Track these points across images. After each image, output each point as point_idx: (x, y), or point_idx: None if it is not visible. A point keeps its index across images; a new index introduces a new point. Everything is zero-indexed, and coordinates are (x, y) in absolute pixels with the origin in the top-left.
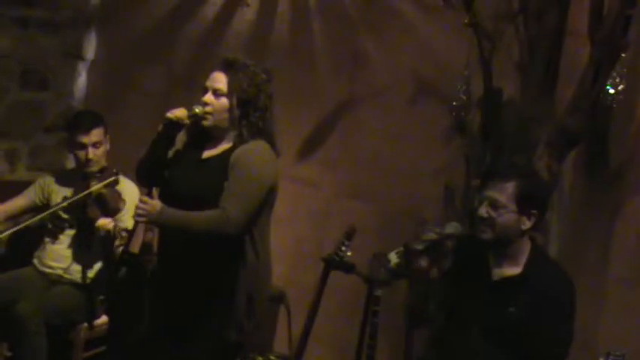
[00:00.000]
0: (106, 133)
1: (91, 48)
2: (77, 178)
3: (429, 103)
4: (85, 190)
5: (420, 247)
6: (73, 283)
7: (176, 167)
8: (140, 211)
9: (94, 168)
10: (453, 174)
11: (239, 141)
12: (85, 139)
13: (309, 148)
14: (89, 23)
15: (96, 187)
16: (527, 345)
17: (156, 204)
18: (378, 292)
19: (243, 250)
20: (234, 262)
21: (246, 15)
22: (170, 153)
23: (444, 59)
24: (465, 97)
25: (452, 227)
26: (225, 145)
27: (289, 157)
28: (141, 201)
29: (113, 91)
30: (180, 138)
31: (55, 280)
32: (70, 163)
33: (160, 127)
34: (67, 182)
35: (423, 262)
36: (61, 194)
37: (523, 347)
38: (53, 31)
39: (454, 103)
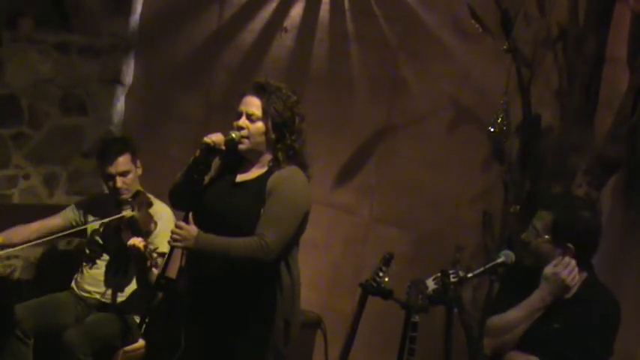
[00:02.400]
0: (134, 158)
1: (129, 73)
2: (111, 204)
3: (468, 130)
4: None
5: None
6: (109, 308)
7: (210, 191)
8: (176, 237)
9: (126, 195)
10: (491, 201)
11: (274, 165)
12: (111, 170)
13: (346, 174)
14: (128, 49)
15: (128, 213)
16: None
17: (192, 230)
18: (416, 318)
19: (279, 274)
20: (271, 287)
21: (285, 42)
22: (205, 179)
23: (483, 86)
24: (503, 124)
25: (504, 255)
26: (259, 170)
27: (326, 182)
28: (177, 226)
29: (151, 117)
30: (215, 164)
31: (92, 305)
32: None
33: (197, 152)
34: (102, 206)
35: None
36: (96, 218)
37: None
38: (93, 57)
39: (492, 130)
